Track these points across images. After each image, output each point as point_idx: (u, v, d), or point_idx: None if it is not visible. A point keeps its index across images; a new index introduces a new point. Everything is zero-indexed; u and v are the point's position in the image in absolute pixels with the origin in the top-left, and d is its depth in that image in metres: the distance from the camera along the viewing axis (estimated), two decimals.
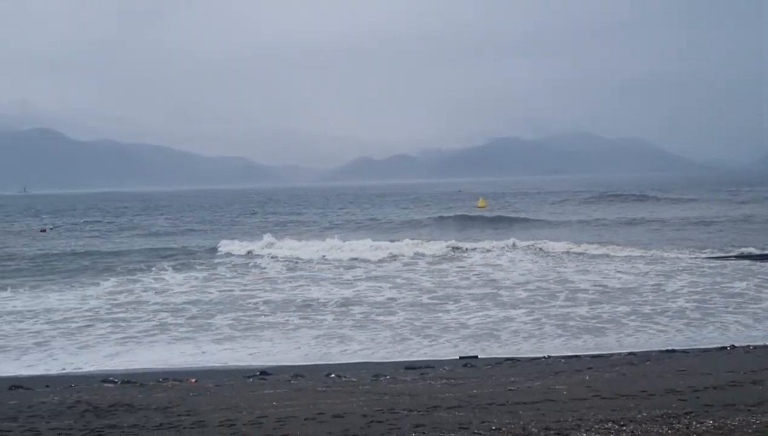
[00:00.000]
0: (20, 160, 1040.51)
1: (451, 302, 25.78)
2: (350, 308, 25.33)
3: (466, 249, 40.05)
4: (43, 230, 70.17)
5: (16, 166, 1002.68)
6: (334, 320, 23.33)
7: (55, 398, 13.05)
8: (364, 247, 40.64)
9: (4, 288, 30.94)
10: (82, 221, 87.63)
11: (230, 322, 23.34)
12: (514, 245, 40.91)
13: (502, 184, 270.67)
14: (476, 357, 17.52)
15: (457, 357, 17.69)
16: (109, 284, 32.07)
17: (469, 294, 27.32)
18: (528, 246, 40.51)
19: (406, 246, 40.76)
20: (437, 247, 40.24)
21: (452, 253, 38.96)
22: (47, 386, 14.86)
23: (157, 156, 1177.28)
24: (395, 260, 37.79)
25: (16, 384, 15.11)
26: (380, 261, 37.19)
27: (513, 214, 69.83)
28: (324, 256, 39.06)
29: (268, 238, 43.98)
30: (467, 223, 63.48)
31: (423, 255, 38.68)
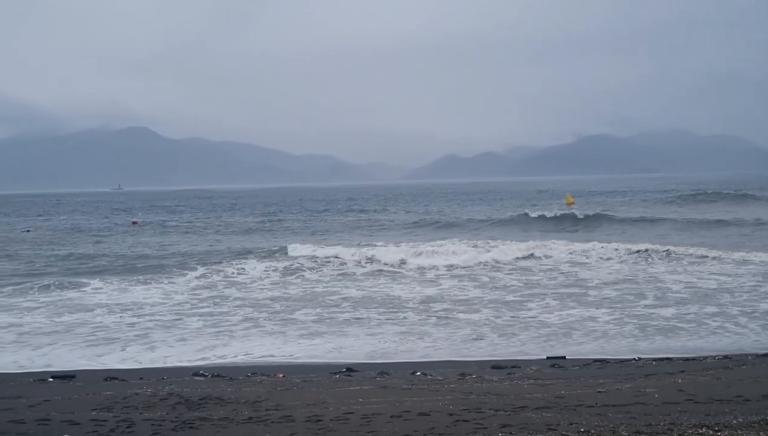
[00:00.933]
0: (116, 159, 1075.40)
1: (536, 300, 25.54)
2: (431, 305, 25.38)
3: (553, 247, 39.33)
4: (135, 223, 72.48)
5: (111, 164, 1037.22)
6: (416, 317, 23.34)
7: (149, 390, 13.39)
8: (447, 252, 38.87)
9: (93, 278, 32.24)
10: (170, 216, 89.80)
11: (313, 318, 23.66)
12: (602, 244, 39.78)
13: (591, 182, 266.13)
14: (564, 358, 17.26)
15: (544, 357, 17.46)
16: (192, 279, 32.83)
17: (555, 293, 26.99)
18: (617, 245, 39.32)
19: (490, 246, 40.19)
20: (522, 245, 39.71)
21: (538, 251, 38.35)
22: (141, 378, 15.29)
23: (247, 154, 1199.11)
24: (478, 258, 37.09)
25: (111, 375, 15.61)
26: (465, 264, 36.12)
27: (602, 213, 68.24)
28: (404, 260, 37.15)
29: (350, 240, 44.16)
30: (554, 221, 62.47)
31: (508, 253, 38.03)
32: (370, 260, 37.91)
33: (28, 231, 71.51)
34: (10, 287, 31.04)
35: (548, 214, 66.66)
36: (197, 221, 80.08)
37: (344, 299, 27.33)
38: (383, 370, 15.64)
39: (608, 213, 67.63)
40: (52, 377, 15.83)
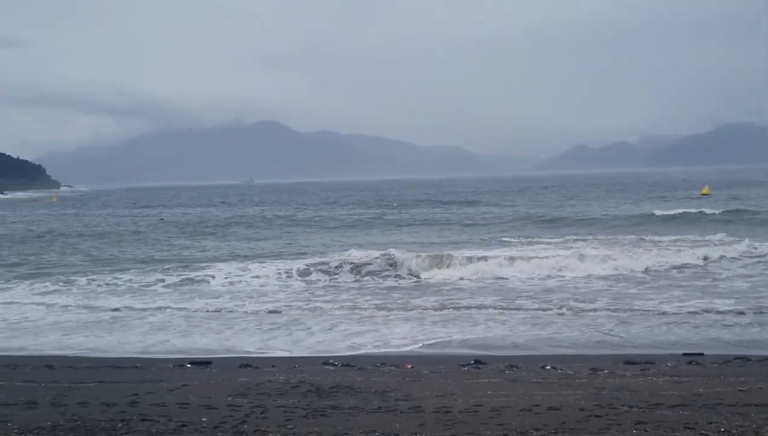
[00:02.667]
0: (247, 152, 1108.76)
1: (666, 293, 24.77)
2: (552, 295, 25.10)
3: (692, 245, 37.36)
4: (263, 214, 74.60)
5: (243, 157, 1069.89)
6: (539, 309, 23.08)
7: (281, 378, 13.71)
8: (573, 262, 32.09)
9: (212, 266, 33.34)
10: (296, 209, 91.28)
11: (433, 305, 24.00)
12: (748, 243, 35.41)
13: (731, 173, 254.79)
14: (702, 354, 16.60)
15: (680, 353, 16.86)
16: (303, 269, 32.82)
17: (689, 286, 26.02)
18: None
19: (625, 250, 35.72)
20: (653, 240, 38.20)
21: (674, 246, 36.70)
22: (273, 366, 15.67)
23: (374, 146, 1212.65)
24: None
25: (245, 363, 16.09)
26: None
27: (746, 208, 63.66)
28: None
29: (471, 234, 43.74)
30: (693, 218, 58.10)
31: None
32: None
33: (162, 220, 75.10)
34: (146, 274, 32.30)
35: (683, 209, 62.91)
36: (321, 213, 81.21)
37: (458, 289, 27.57)
38: (512, 363, 15.47)
39: (754, 208, 63.01)
40: (190, 363, 16.45)
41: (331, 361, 16.17)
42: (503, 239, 45.13)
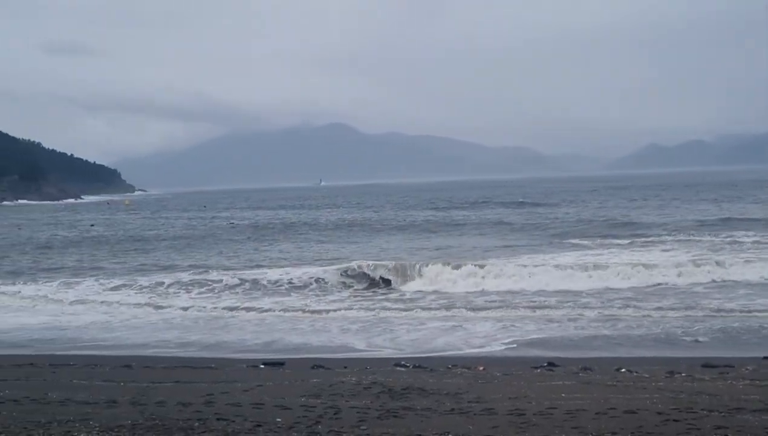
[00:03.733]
0: (316, 154, 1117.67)
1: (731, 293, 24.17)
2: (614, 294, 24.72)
3: None
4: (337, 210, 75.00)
5: (312, 159, 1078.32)
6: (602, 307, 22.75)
7: (353, 379, 13.77)
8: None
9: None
10: (367, 212, 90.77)
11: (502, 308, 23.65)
12: None
13: None
14: None
15: (761, 357, 16.40)
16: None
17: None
18: None
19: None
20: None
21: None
22: (345, 367, 15.75)
23: (441, 147, 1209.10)
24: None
25: (318, 364, 16.21)
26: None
27: None
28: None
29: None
30: None
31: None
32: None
33: (232, 224, 76.11)
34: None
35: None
36: (391, 215, 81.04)
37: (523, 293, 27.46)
38: (585, 365, 15.27)
39: None
40: (263, 364, 16.65)
41: (402, 362, 16.19)
42: (575, 241, 44.38)
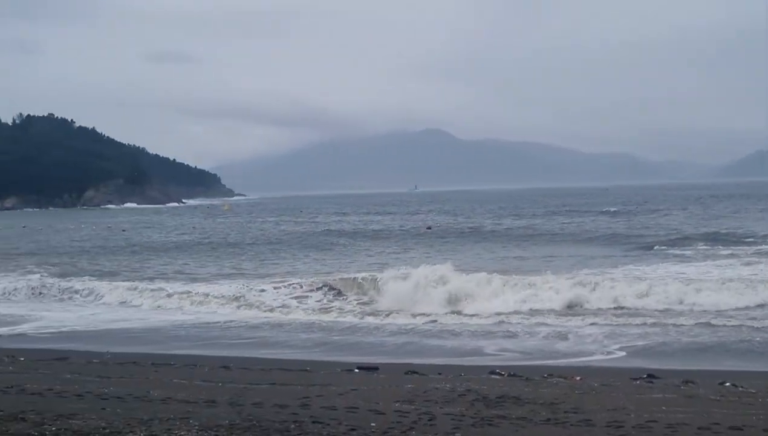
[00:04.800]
0: (412, 160, 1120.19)
1: None
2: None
3: None
4: (429, 228, 74.57)
5: (408, 165, 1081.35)
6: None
7: (447, 385, 13.71)
8: None
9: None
10: (461, 219, 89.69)
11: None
12: None
13: None
14: None
15: None
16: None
17: None
18: None
19: None
20: None
21: None
22: (439, 374, 15.70)
23: (539, 153, 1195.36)
24: None
25: (412, 369, 16.21)
26: None
27: None
28: None
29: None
30: None
31: None
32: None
33: (328, 229, 76.96)
34: None
35: None
36: (485, 222, 79.98)
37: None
38: (687, 378, 14.81)
39: None
40: (358, 368, 16.75)
41: (497, 370, 16.04)
42: (676, 251, 43.08)
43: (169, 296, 30.93)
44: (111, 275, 39.19)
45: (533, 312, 25.39)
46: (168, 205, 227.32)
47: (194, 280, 35.68)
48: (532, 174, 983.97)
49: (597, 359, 18.52)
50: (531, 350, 20.07)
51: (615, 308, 25.48)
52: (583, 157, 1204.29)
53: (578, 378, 14.83)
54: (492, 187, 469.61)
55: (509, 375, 15.44)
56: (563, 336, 21.64)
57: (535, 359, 18.59)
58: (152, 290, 31.88)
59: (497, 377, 15.35)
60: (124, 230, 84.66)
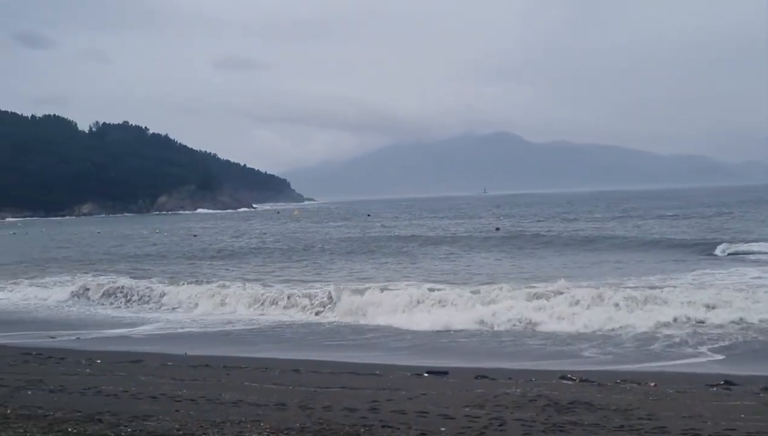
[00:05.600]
0: (481, 163, 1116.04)
1: None
2: None
3: None
4: (497, 229, 74.06)
5: (477, 168, 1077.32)
6: None
7: (517, 390, 13.57)
8: None
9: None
10: (530, 223, 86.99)
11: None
12: None
13: None
14: None
15: None
16: None
17: None
18: None
19: None
20: None
21: None
22: (509, 378, 15.55)
23: (609, 156, 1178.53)
24: None
25: (481, 374, 16.10)
26: None
27: None
28: None
29: None
30: None
31: None
32: None
33: (397, 235, 76.80)
34: None
35: None
36: (554, 227, 78.30)
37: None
38: (767, 385, 14.37)
39: None
40: (427, 372, 16.70)
41: (568, 375, 15.81)
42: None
43: (244, 298, 30.96)
44: (179, 276, 39.89)
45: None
46: (239, 210, 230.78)
47: (266, 284, 35.80)
48: (603, 177, 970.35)
49: (672, 364, 18.10)
50: (602, 355, 19.75)
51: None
52: (655, 160, 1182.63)
53: (653, 384, 14.53)
54: (562, 191, 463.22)
55: (581, 381, 15.20)
56: (641, 340, 21.24)
57: (607, 365, 18.26)
58: (233, 294, 31.81)
59: (568, 382, 15.12)
60: (195, 235, 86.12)
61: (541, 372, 16.80)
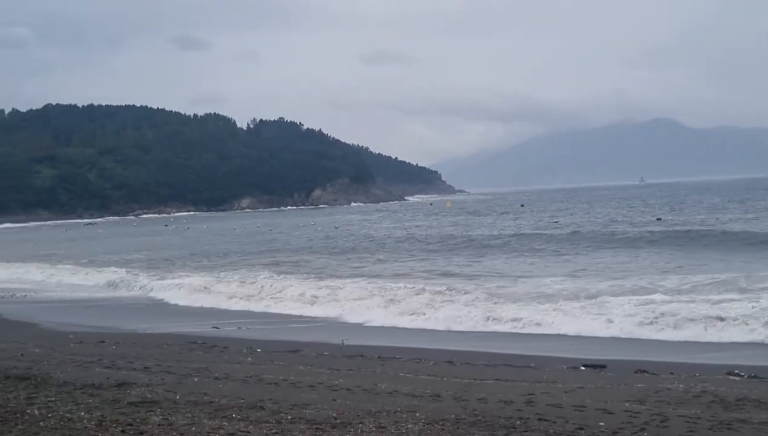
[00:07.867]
0: (638, 151, 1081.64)
1: None
2: None
3: None
4: (659, 219, 69.13)
5: (632, 157, 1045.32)
6: None
7: (680, 386, 13.04)
8: None
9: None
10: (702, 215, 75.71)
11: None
12: None
13: None
14: None
15: None
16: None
17: None
18: None
19: None
20: None
21: None
22: (671, 373, 15.00)
23: None
24: None
25: (641, 368, 15.61)
26: None
27: None
28: None
29: None
30: None
31: None
32: None
33: (556, 222, 75.80)
34: None
35: None
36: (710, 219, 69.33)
37: None
38: None
39: None
40: (584, 366, 16.35)
41: (736, 371, 15.06)
42: None
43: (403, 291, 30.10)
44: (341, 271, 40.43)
45: None
46: (390, 202, 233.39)
47: (426, 278, 35.30)
48: None
49: None
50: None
51: None
52: None
53: None
54: (726, 178, 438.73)
55: (749, 377, 14.46)
56: None
57: None
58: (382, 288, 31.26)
59: (736, 378, 14.42)
60: (351, 233, 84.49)
61: (706, 367, 16.11)
